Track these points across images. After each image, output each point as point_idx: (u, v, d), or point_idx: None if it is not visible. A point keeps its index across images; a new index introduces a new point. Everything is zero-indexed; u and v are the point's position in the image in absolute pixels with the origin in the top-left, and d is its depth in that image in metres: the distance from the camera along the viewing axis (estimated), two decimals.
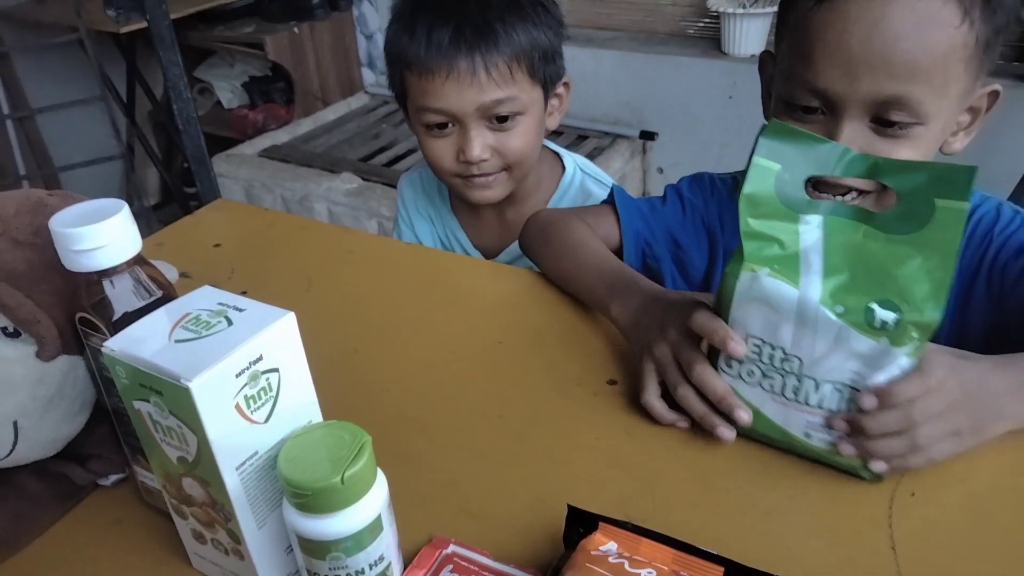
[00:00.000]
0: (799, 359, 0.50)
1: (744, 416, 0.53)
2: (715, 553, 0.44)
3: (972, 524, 0.49)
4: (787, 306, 0.49)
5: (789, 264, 0.49)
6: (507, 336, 0.71)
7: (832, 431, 0.51)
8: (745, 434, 0.55)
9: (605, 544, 0.45)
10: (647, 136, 2.35)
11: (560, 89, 0.95)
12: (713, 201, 0.81)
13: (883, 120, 0.63)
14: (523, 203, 1.00)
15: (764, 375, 0.52)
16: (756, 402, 0.53)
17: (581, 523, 0.46)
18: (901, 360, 0.48)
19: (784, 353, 0.50)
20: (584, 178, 1.03)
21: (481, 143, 0.88)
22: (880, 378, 0.48)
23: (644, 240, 0.79)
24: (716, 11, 2.16)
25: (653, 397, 0.58)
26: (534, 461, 0.57)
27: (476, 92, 0.85)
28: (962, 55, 0.62)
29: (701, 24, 2.31)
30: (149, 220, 2.42)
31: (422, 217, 1.08)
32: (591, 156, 2.25)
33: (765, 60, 0.77)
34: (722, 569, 0.43)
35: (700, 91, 2.22)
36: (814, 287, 0.48)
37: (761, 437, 0.55)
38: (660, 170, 2.41)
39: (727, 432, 0.54)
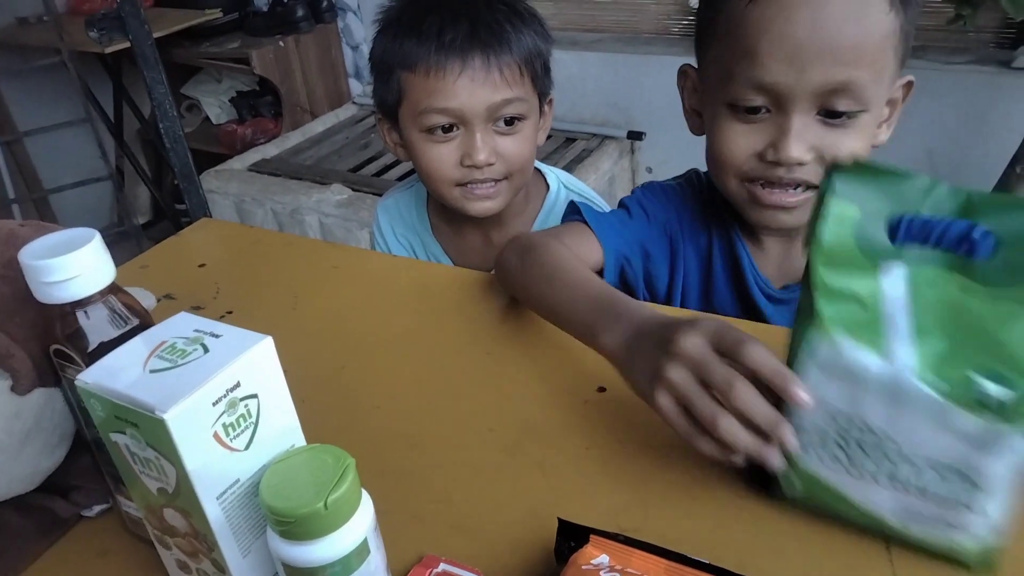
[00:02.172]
0: (894, 441, 0.43)
1: (794, 440, 0.44)
2: (708, 563, 0.43)
3: None
4: (875, 380, 0.42)
5: (872, 327, 0.42)
6: (495, 347, 0.71)
7: (944, 522, 0.43)
8: (813, 508, 0.48)
9: (597, 557, 0.44)
10: (635, 136, 2.35)
11: (546, 106, 0.95)
12: (671, 208, 0.80)
13: (829, 111, 0.64)
14: (509, 223, 0.99)
15: (850, 461, 0.44)
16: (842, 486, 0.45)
17: (572, 536, 0.46)
18: (1015, 442, 0.40)
19: (873, 433, 0.43)
20: (569, 195, 1.02)
21: (488, 146, 0.87)
22: (993, 463, 0.41)
23: (624, 256, 0.77)
24: None
25: (702, 441, 0.47)
26: (525, 473, 0.56)
27: (488, 91, 0.85)
28: (893, 42, 0.63)
29: (685, 23, 2.31)
30: (140, 239, 2.41)
31: (401, 244, 1.06)
32: (580, 158, 2.25)
33: (684, 74, 0.77)
34: None
35: None
36: (906, 356, 0.41)
37: (834, 514, 0.47)
38: (649, 169, 2.41)
39: (779, 459, 0.45)
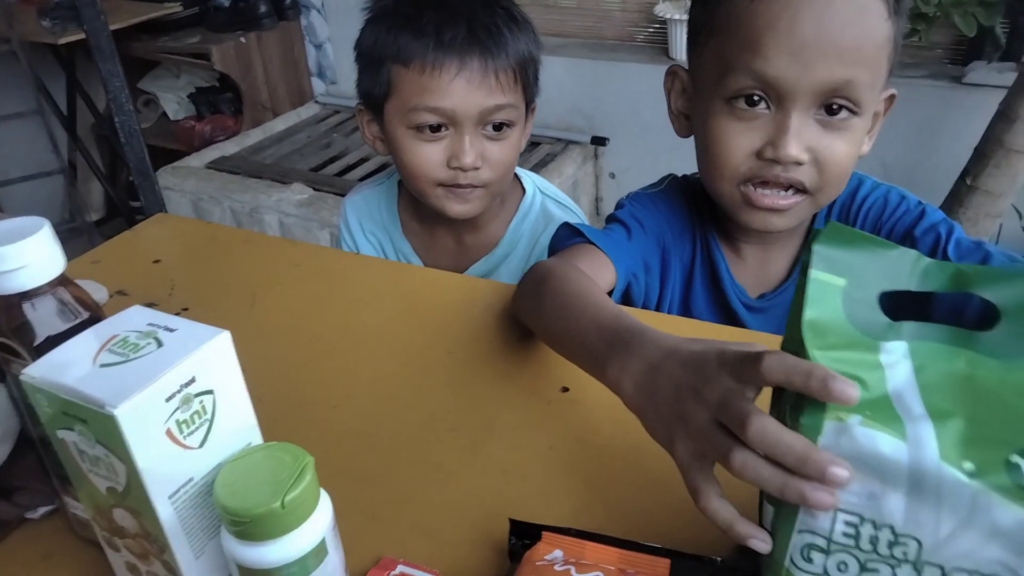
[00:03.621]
0: (916, 540, 0.36)
1: (842, 473, 0.35)
2: (660, 546, 0.44)
3: None
4: (894, 467, 0.35)
5: (882, 409, 0.36)
6: (458, 347, 0.70)
7: None
8: None
9: (550, 553, 0.44)
10: (598, 142, 2.36)
11: (529, 113, 0.94)
12: (662, 218, 0.79)
13: (827, 110, 0.65)
14: (484, 226, 0.99)
15: (864, 568, 0.37)
16: None
17: (524, 535, 0.46)
18: None
19: (893, 534, 0.36)
20: (545, 200, 1.01)
21: (476, 150, 0.86)
22: None
23: (632, 273, 0.75)
24: (663, 17, 2.19)
25: (714, 499, 0.41)
26: (487, 474, 0.56)
27: (483, 95, 0.84)
28: (887, 49, 0.65)
29: (650, 31, 2.34)
30: (92, 236, 2.34)
31: (369, 241, 1.05)
32: (544, 162, 2.26)
33: (673, 74, 0.76)
34: (668, 561, 0.43)
35: (649, 96, 2.22)
36: (926, 437, 0.35)
37: None
38: (612, 175, 2.43)
39: (825, 496, 0.36)
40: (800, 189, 0.68)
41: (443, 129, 0.86)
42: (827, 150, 0.66)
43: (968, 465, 0.35)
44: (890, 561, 0.37)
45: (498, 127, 0.87)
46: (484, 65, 0.83)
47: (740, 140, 0.67)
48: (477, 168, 0.87)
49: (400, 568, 0.47)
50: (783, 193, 0.69)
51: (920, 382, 0.37)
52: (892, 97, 0.71)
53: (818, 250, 0.39)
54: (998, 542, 0.35)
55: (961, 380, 0.37)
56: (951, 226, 0.71)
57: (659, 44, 2.31)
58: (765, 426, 0.37)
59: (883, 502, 0.36)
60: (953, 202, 1.61)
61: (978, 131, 1.57)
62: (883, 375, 0.37)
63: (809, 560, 0.38)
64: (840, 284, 0.38)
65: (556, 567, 0.43)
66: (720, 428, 0.40)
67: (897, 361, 0.37)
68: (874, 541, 0.37)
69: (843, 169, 0.68)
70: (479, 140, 0.87)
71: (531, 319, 0.68)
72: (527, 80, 0.89)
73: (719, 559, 0.43)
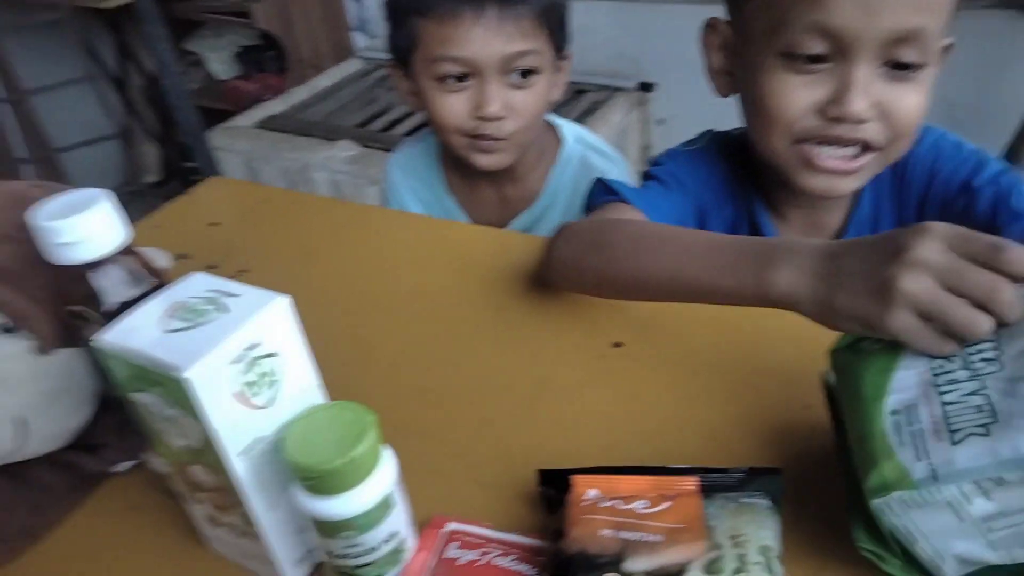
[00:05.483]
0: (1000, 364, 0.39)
1: None
2: (687, 467, 0.46)
3: None
4: None
5: None
6: (509, 302, 0.71)
7: None
8: None
9: (587, 493, 0.45)
10: (645, 88, 2.30)
11: (563, 62, 0.93)
12: (699, 178, 0.76)
13: (894, 63, 0.60)
14: (524, 178, 0.98)
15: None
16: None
17: (553, 483, 0.47)
18: None
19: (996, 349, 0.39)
20: (586, 151, 1.00)
21: (500, 99, 0.86)
22: None
23: None
24: None
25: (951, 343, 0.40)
26: (542, 429, 0.57)
27: (503, 41, 0.84)
28: None
29: None
30: (151, 198, 2.40)
31: (416, 199, 1.05)
32: (589, 111, 2.21)
33: (712, 28, 0.70)
34: (697, 478, 0.45)
35: (697, 38, 2.17)
36: None
37: None
38: (661, 121, 2.37)
39: None
40: (867, 146, 0.63)
41: (467, 79, 0.86)
42: (896, 103, 0.61)
43: None
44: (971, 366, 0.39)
45: (524, 74, 0.87)
46: (501, 12, 0.82)
47: (799, 94, 0.62)
48: (501, 118, 0.86)
49: (452, 525, 0.48)
50: (850, 152, 0.64)
51: None
52: (950, 46, 0.66)
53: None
54: None
55: None
56: (1014, 177, 0.67)
57: None
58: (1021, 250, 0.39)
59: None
60: (1022, 142, 1.53)
61: None
62: None
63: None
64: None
65: (601, 504, 0.44)
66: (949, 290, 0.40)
67: None
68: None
69: (914, 121, 0.63)
70: (503, 89, 0.86)
71: (586, 274, 0.65)
72: (552, 26, 0.87)
73: (746, 469, 0.45)
